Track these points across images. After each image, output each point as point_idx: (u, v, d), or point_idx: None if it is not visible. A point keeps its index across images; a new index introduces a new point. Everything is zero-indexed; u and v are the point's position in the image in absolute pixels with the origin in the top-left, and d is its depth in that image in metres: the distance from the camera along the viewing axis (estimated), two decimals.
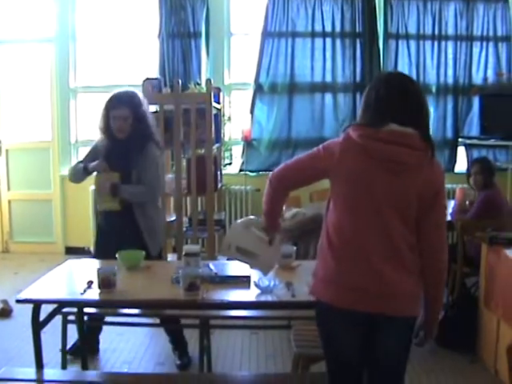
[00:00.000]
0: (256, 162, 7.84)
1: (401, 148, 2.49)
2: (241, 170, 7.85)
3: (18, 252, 8.39)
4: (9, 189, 8.47)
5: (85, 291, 3.21)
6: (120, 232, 4.28)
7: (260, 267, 3.14)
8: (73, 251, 8.10)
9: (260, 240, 3.03)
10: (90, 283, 3.29)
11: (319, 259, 2.68)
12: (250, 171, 7.85)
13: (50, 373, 3.32)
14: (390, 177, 2.52)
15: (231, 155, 7.91)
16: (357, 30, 7.73)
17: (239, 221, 3.20)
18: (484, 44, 7.71)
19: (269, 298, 3.13)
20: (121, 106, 4.25)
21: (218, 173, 6.42)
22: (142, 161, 4.31)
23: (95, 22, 8.22)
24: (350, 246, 2.56)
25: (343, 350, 2.68)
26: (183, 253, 3.19)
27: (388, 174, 2.51)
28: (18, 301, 3.15)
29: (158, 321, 4.86)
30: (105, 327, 4.80)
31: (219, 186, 6.52)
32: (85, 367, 4.28)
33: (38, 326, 3.21)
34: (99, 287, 3.18)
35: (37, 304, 3.22)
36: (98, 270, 3.20)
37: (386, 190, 2.52)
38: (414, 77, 7.65)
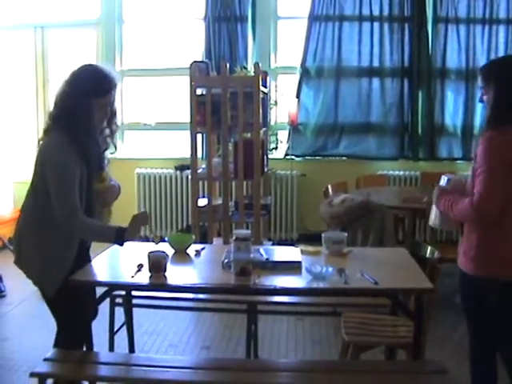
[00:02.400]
0: (302, 147, 7.78)
1: None
2: (286, 155, 7.79)
3: None
4: None
5: (135, 274, 3.20)
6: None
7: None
8: None
9: None
10: (139, 266, 3.28)
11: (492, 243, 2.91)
12: (296, 156, 7.80)
13: (100, 355, 3.32)
14: None
15: (277, 139, 7.86)
16: (405, 13, 7.57)
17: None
18: None
19: (321, 284, 3.08)
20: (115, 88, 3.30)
21: (265, 157, 6.39)
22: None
23: (141, 5, 8.23)
24: None
25: None
26: (233, 237, 3.15)
27: None
28: (69, 282, 3.15)
29: (202, 305, 4.84)
30: (151, 310, 4.80)
31: (265, 170, 6.48)
32: (132, 350, 4.30)
33: None
34: (149, 271, 3.17)
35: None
36: (149, 253, 3.19)
37: None
38: (463, 62, 7.55)
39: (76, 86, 3.15)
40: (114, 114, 3.36)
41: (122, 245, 3.18)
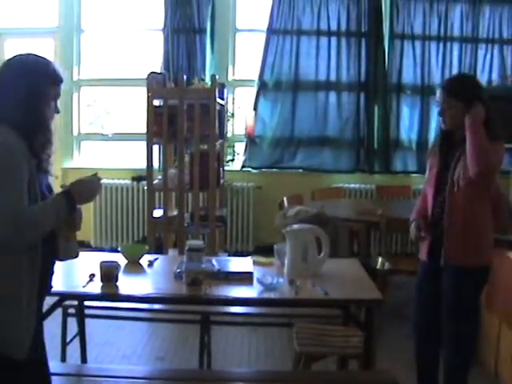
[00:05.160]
0: (258, 159, 7.81)
1: None
2: (243, 167, 7.82)
3: None
4: None
5: (87, 284, 3.19)
6: None
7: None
8: None
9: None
10: (91, 276, 3.26)
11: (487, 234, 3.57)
12: (253, 168, 7.83)
13: (52, 365, 3.29)
14: None
15: (234, 152, 7.89)
16: (362, 29, 7.70)
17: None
18: (489, 46, 7.66)
19: (272, 295, 3.11)
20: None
21: (221, 169, 6.40)
22: None
23: (100, 14, 8.19)
24: None
25: None
26: (186, 248, 3.16)
27: None
28: None
29: (156, 315, 4.84)
30: (104, 321, 4.78)
31: (221, 182, 6.50)
32: (84, 361, 4.27)
33: None
34: (101, 280, 3.16)
35: None
36: (101, 263, 3.18)
37: None
38: (419, 77, 7.70)
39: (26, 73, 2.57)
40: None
41: (74, 209, 2.50)
